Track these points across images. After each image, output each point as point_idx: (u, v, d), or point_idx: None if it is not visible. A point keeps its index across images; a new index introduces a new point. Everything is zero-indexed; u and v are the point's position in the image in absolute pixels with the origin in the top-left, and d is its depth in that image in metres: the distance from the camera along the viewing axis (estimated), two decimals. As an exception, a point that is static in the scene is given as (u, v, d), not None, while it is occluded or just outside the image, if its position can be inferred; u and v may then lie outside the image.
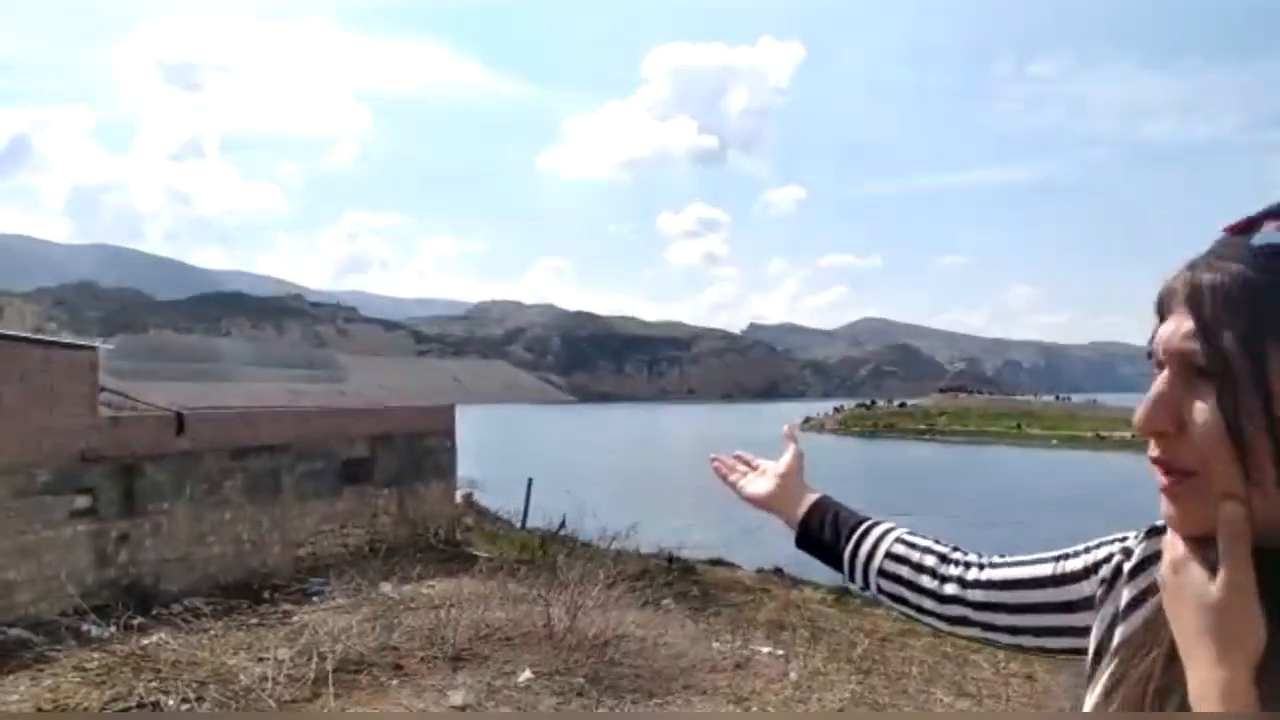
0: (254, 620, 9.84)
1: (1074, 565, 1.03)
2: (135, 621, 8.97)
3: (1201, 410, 0.72)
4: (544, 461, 43.83)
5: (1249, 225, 0.75)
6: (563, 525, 18.73)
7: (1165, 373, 0.76)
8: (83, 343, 12.29)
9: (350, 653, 8.04)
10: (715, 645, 10.16)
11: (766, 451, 1.47)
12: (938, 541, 1.22)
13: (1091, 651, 0.92)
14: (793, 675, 8.91)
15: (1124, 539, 0.99)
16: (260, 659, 7.78)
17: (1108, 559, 0.99)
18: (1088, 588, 1.00)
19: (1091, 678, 0.89)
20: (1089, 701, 0.86)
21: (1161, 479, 0.77)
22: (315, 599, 11.35)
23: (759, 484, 1.40)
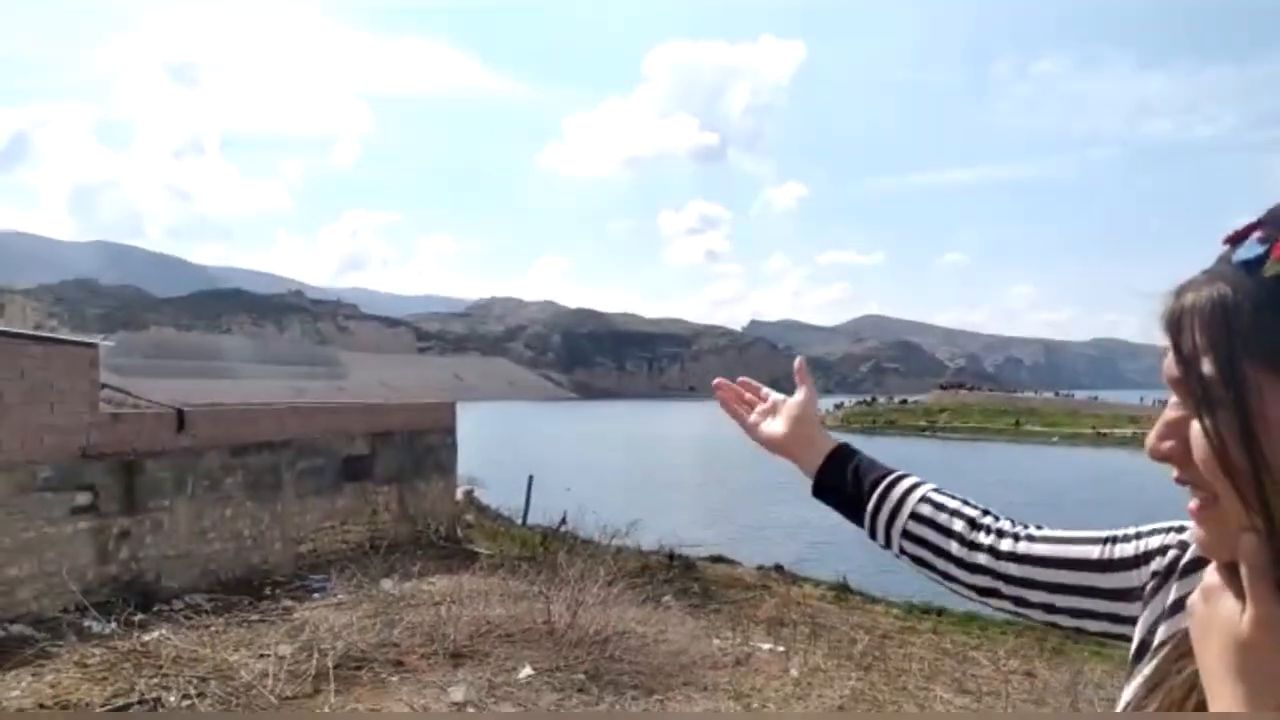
0: (255, 617, 9.85)
1: (1124, 551, 0.98)
2: (136, 618, 8.99)
3: (1196, 436, 0.70)
4: (545, 458, 43.86)
5: (1239, 237, 0.72)
6: (563, 522, 18.78)
7: (1173, 398, 0.74)
8: (83, 339, 12.28)
9: (351, 649, 8.04)
10: (715, 642, 10.18)
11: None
12: (967, 502, 1.14)
13: (1135, 644, 0.89)
14: (793, 672, 8.91)
15: (1181, 529, 0.94)
16: (261, 655, 7.79)
17: (1161, 550, 0.94)
18: (1136, 577, 0.96)
19: (1132, 672, 0.86)
20: (1125, 695, 0.84)
21: (1191, 501, 0.74)
22: (316, 595, 11.36)
23: (772, 424, 1.31)
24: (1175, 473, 0.74)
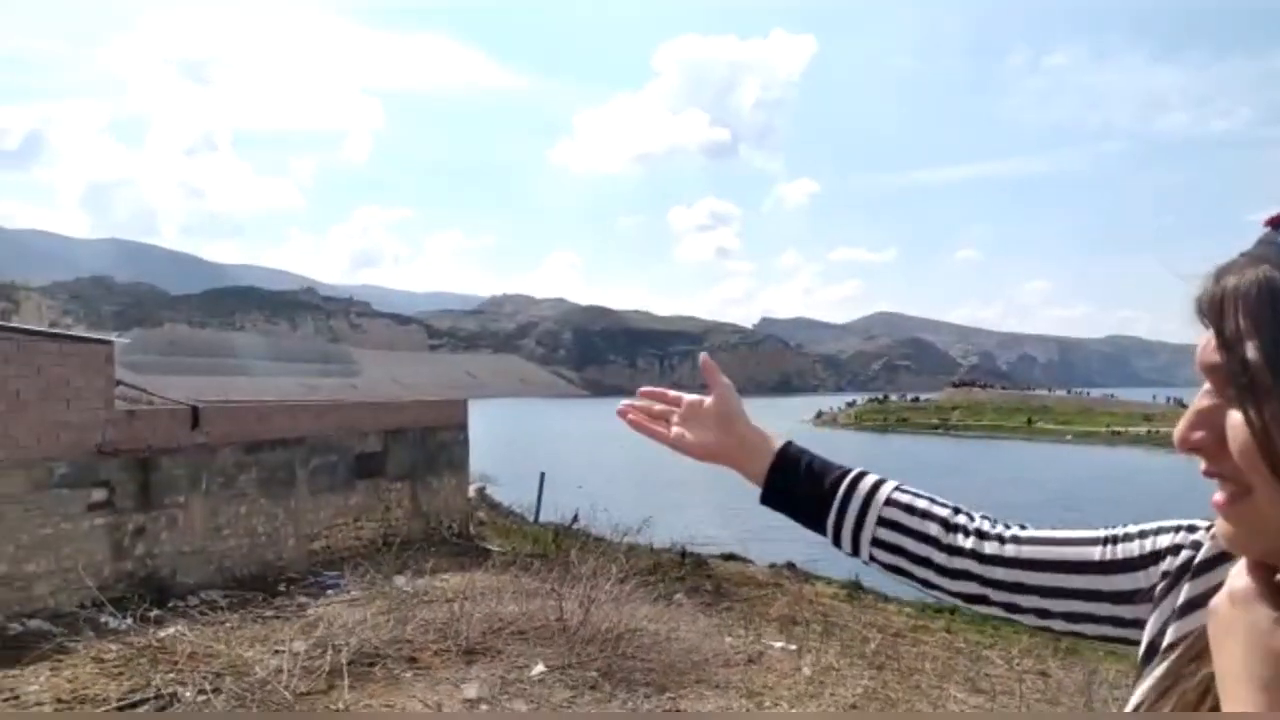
0: (269, 613, 9.91)
1: (1128, 551, 0.92)
2: (152, 614, 9.07)
3: (1235, 425, 0.66)
4: (556, 455, 43.92)
5: None
6: (575, 519, 18.80)
7: (1205, 386, 0.71)
8: (99, 337, 12.36)
9: (365, 646, 8.08)
10: (728, 640, 10.17)
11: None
12: (935, 500, 1.07)
13: (1144, 645, 0.86)
14: (805, 670, 8.91)
15: (1193, 528, 0.89)
16: (276, 651, 7.83)
17: (1173, 550, 0.89)
18: (1144, 578, 0.90)
19: (1141, 673, 0.83)
20: (1135, 697, 0.80)
21: (1216, 495, 0.71)
22: (330, 592, 11.42)
23: (699, 432, 1.15)
24: (1203, 465, 0.71)
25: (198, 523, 11.86)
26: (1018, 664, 9.84)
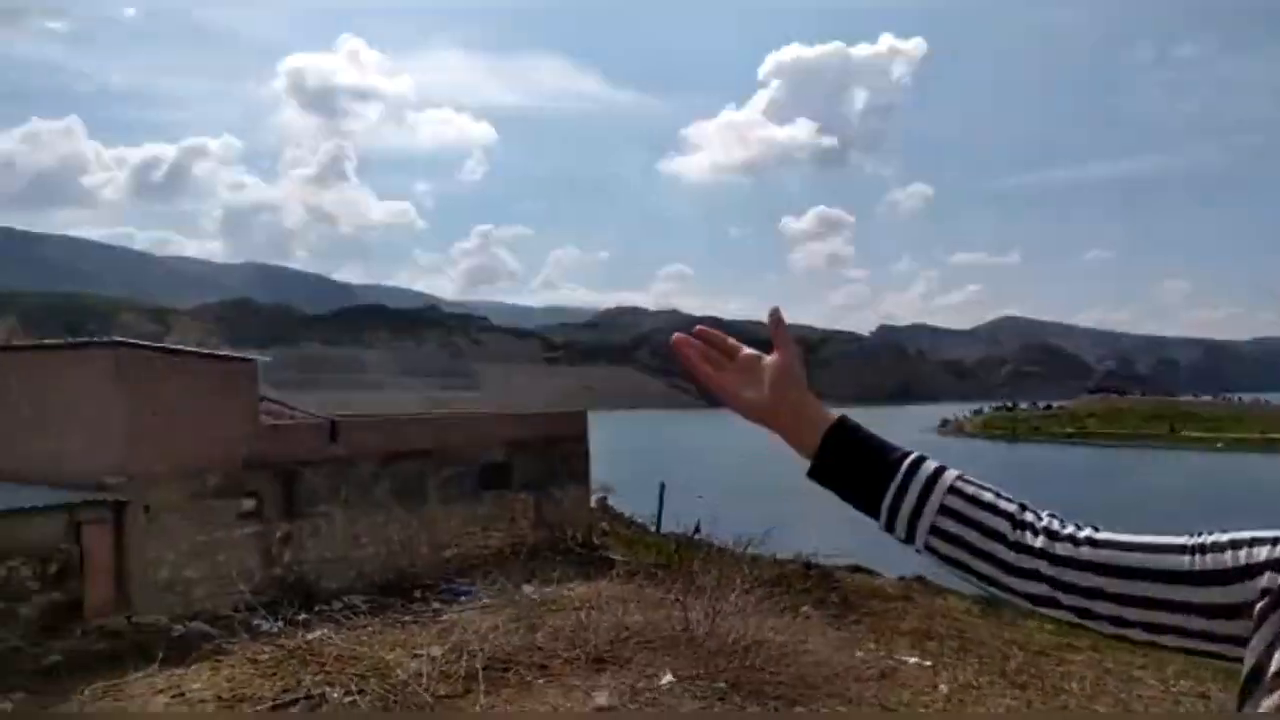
0: (407, 618, 10.27)
1: (1220, 562, 0.85)
2: (300, 617, 9.53)
3: None
4: (675, 466, 43.97)
5: None
6: (697, 530, 18.74)
7: None
8: (244, 355, 13.11)
9: (497, 652, 8.26)
10: (858, 653, 9.95)
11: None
12: (1000, 495, 0.99)
13: (1248, 668, 0.80)
14: (942, 688, 8.61)
15: None
16: (415, 655, 8.10)
17: (1274, 564, 0.82)
18: (1239, 592, 0.83)
19: (1248, 696, 0.79)
20: None
21: None
22: (462, 599, 11.75)
23: (752, 388, 1.08)
24: None
25: (339, 531, 12.42)
26: (1174, 685, 9.26)
